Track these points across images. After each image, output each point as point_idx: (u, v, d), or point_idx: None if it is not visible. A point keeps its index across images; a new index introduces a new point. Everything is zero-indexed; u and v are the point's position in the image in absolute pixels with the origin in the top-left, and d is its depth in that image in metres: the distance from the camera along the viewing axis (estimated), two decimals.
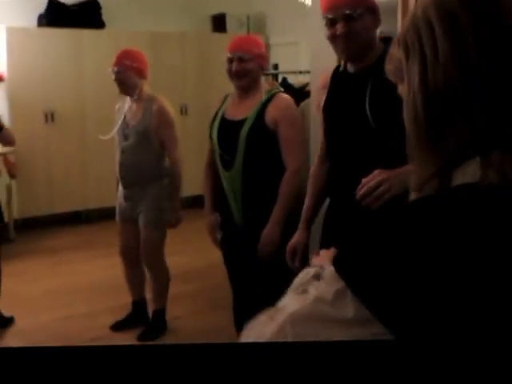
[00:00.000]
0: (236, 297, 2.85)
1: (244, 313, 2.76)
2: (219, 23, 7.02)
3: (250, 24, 7.17)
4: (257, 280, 2.63)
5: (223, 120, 2.68)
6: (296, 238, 2.22)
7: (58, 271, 4.74)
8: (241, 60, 2.58)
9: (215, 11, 7.04)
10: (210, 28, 7.13)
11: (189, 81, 6.56)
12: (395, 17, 2.61)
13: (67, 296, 4.22)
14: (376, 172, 1.66)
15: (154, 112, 3.21)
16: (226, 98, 2.77)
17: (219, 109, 2.75)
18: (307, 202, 2.25)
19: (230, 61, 2.61)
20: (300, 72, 3.74)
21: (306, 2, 4.21)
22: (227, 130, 2.64)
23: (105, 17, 6.33)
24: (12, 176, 4.07)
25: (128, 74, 3.23)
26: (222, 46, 7.04)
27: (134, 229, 3.37)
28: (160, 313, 3.50)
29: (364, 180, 1.67)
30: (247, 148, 2.54)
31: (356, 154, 1.95)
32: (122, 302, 3.77)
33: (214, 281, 4.19)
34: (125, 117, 3.32)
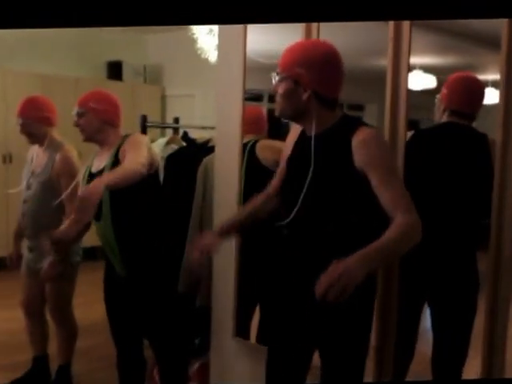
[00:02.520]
0: (121, 353, 2.83)
1: (128, 368, 2.82)
2: (115, 71, 6.98)
3: (146, 74, 7.19)
4: (150, 333, 2.71)
5: (90, 174, 2.66)
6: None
7: None
8: (78, 114, 2.69)
9: (112, 58, 6.99)
10: (106, 75, 7.04)
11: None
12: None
13: None
14: (332, 267, 1.59)
15: (57, 160, 3.12)
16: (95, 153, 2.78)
17: (87, 164, 2.75)
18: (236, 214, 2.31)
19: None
20: (203, 127, 3.74)
21: (210, 58, 4.28)
22: (91, 181, 2.57)
23: None
24: None
25: (35, 126, 3.17)
26: (117, 94, 7.04)
27: (37, 280, 3.21)
28: (65, 368, 3.38)
29: (322, 278, 1.59)
30: (111, 196, 2.49)
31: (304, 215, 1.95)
32: (17, 359, 3.62)
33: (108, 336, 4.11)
34: (31, 165, 3.24)
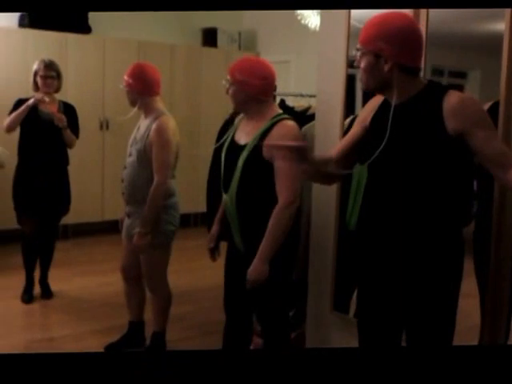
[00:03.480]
0: (229, 322, 2.84)
1: (236, 338, 2.85)
2: (210, 38, 6.98)
3: (241, 40, 7.13)
4: (255, 303, 2.70)
5: (231, 141, 2.66)
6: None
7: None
8: (228, 84, 2.61)
9: (207, 25, 6.98)
10: (201, 42, 7.05)
11: (176, 94, 6.44)
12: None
13: (54, 315, 4.20)
14: None
15: (152, 130, 3.12)
16: (235, 119, 2.80)
17: (230, 130, 2.73)
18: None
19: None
20: (302, 95, 3.63)
21: (309, 24, 4.13)
22: (231, 152, 2.64)
23: (91, 21, 6.19)
24: None
25: (132, 94, 3.21)
26: (211, 61, 7.05)
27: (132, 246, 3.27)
28: (160, 335, 3.44)
29: None
30: (243, 174, 2.52)
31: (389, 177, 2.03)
32: (115, 323, 3.78)
33: (205, 304, 4.31)
34: (136, 132, 3.28)
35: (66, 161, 4.30)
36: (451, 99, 1.89)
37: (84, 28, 6.12)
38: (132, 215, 3.27)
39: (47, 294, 4.40)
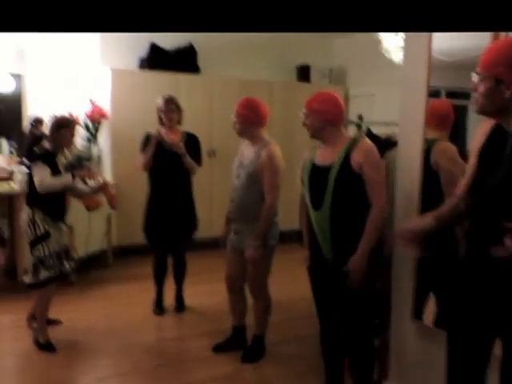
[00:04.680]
0: (324, 329, 2.98)
1: (331, 343, 2.96)
2: (304, 74, 7.20)
3: (331, 76, 7.32)
4: (345, 312, 2.80)
5: (313, 166, 2.83)
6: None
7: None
8: (305, 115, 2.82)
9: (301, 62, 7.23)
10: (295, 78, 7.30)
11: (274, 125, 6.70)
12: None
13: (166, 319, 4.44)
14: None
15: (263, 157, 3.33)
16: (314, 148, 2.93)
17: (309, 157, 2.91)
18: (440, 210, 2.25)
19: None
20: (386, 124, 3.77)
21: (393, 58, 4.27)
22: (316, 174, 2.80)
23: (200, 62, 6.61)
24: (112, 207, 4.29)
25: (243, 124, 3.38)
26: (305, 95, 7.26)
27: (239, 259, 3.51)
28: (260, 338, 3.66)
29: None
30: (335, 190, 2.68)
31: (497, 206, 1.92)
32: (220, 327, 4.04)
33: (297, 313, 4.45)
34: (241, 157, 3.49)
35: (189, 186, 4.37)
36: None
37: (194, 69, 6.53)
38: (239, 232, 3.48)
39: (180, 307, 4.55)
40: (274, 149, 3.38)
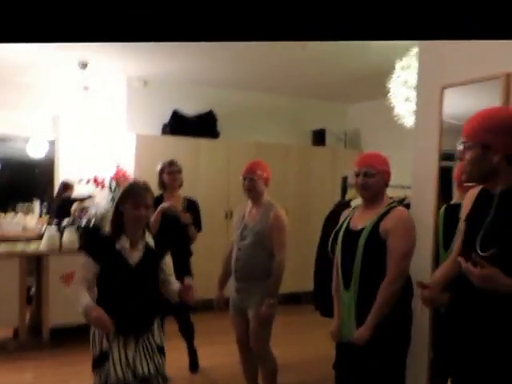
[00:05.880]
0: None
1: None
2: (319, 138, 7.18)
3: (346, 139, 7.27)
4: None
5: (347, 229, 2.65)
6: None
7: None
8: (366, 174, 2.59)
9: (316, 127, 7.22)
10: (311, 142, 7.27)
11: (290, 187, 6.65)
12: None
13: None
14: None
15: (271, 217, 3.30)
16: (354, 208, 2.79)
17: (345, 219, 2.73)
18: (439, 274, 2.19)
19: (357, 174, 2.62)
20: (402, 187, 3.65)
21: (405, 123, 4.19)
22: (348, 238, 2.62)
23: (220, 127, 6.65)
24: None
25: (259, 183, 3.35)
26: (320, 158, 7.21)
27: (244, 319, 3.38)
28: None
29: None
30: (364, 255, 2.49)
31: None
32: None
33: (308, 376, 4.19)
34: (243, 219, 3.43)
35: (189, 254, 4.20)
36: None
37: (214, 134, 6.57)
38: (243, 291, 3.35)
39: (194, 368, 4.33)
40: (281, 210, 3.36)
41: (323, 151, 6.97)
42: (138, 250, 2.50)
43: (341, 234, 2.66)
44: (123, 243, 2.48)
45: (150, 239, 2.57)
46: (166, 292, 2.61)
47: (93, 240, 2.65)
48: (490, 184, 1.90)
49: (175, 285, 2.59)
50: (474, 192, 2.03)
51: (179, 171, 4.21)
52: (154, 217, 3.89)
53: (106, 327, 2.26)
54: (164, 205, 4.02)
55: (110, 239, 2.48)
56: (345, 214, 2.82)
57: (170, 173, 4.17)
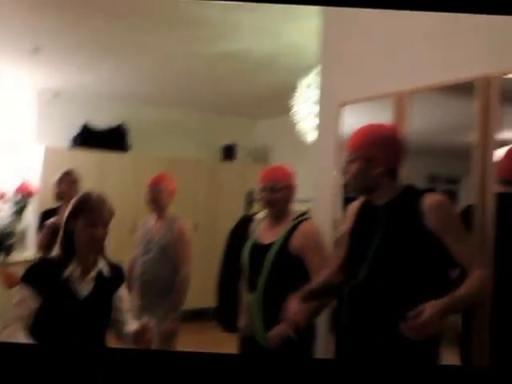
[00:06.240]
0: None
1: None
2: (228, 153, 7.21)
3: (255, 155, 7.34)
4: None
5: (255, 243, 2.56)
6: None
7: None
8: (271, 190, 2.48)
9: (226, 142, 7.26)
10: (221, 157, 7.27)
11: (199, 201, 6.61)
12: None
13: None
14: (427, 306, 1.61)
15: (176, 230, 3.27)
16: (258, 222, 2.74)
17: (252, 232, 2.67)
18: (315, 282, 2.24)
19: (262, 190, 2.51)
20: (304, 201, 3.70)
21: (307, 139, 4.31)
22: (256, 252, 2.52)
23: (132, 142, 6.53)
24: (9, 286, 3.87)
25: (162, 195, 3.32)
26: (229, 174, 7.20)
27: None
28: None
29: (413, 313, 1.61)
30: (271, 271, 2.40)
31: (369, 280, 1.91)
32: None
33: None
34: (145, 233, 3.38)
35: None
36: (428, 200, 1.82)
37: (123, 147, 6.41)
38: (148, 308, 3.16)
39: None
40: (185, 223, 3.36)
41: (232, 167, 6.99)
42: (89, 279, 2.00)
43: (248, 246, 2.58)
44: (72, 270, 1.96)
45: (104, 266, 2.06)
46: (117, 335, 2.10)
47: (34, 267, 2.00)
48: (374, 196, 1.95)
49: (131, 326, 2.06)
50: (356, 204, 2.07)
51: (75, 181, 3.87)
52: (41, 235, 3.56)
53: None
54: (52, 220, 3.56)
55: (56, 265, 1.96)
56: (252, 228, 2.75)
57: (68, 182, 3.84)
